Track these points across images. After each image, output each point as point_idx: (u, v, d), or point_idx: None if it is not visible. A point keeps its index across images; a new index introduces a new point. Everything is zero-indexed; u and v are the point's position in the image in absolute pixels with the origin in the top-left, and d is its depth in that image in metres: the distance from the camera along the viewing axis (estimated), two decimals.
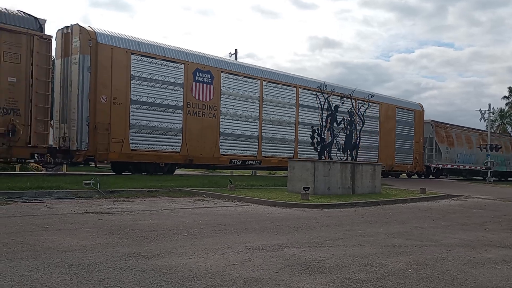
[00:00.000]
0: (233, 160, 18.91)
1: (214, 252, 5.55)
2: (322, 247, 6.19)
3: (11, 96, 13.04)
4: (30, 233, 6.34)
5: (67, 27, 15.32)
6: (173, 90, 16.74)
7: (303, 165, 14.26)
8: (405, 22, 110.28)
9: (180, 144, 16.97)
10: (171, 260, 5.04)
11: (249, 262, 5.08)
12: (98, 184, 12.22)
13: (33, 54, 13.33)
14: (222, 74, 18.27)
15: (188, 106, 17.11)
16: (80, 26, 15.08)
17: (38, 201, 10.12)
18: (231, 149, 18.73)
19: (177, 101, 16.85)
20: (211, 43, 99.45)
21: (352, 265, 5.19)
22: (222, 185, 14.53)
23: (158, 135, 16.41)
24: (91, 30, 15.14)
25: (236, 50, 37.53)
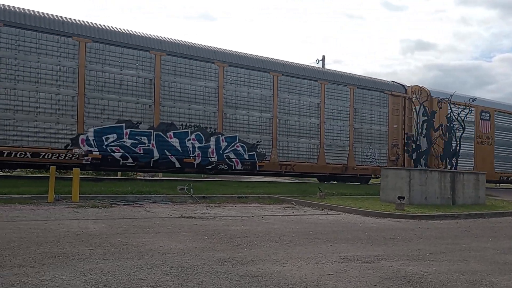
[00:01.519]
0: (501, 177, 24.90)
1: (307, 261, 5.45)
2: (422, 260, 5.80)
3: (395, 137, 20.44)
4: (133, 234, 6.76)
5: (406, 86, 21.60)
6: (471, 127, 23.34)
7: (397, 173, 13.60)
8: (509, 20, 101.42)
9: (473, 164, 23.22)
10: (265, 266, 5.04)
11: (344, 273, 4.91)
12: (191, 189, 12.76)
13: (404, 108, 20.72)
14: (495, 113, 24.54)
15: (477, 137, 23.53)
16: (419, 86, 22.10)
17: (139, 204, 10.80)
18: (504, 168, 24.67)
19: (471, 134, 23.36)
20: (296, 50, 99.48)
21: (458, 281, 4.78)
22: (311, 193, 14.38)
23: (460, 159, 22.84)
24: (427, 89, 21.96)
25: (323, 56, 37.18)
